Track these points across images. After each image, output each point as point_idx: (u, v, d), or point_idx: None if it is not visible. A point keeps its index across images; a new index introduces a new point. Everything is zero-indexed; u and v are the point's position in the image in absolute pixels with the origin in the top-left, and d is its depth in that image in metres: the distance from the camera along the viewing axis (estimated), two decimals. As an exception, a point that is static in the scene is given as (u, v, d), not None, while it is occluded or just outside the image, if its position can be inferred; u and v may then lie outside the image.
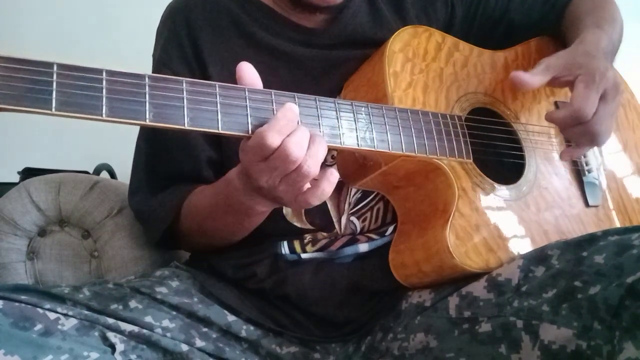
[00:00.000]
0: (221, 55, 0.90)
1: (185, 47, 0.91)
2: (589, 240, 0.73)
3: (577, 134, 0.84)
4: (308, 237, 0.91)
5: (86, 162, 1.45)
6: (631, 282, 0.61)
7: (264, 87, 0.68)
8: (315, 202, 0.68)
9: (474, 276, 0.79)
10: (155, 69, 0.93)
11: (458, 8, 1.01)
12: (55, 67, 0.56)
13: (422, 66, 0.88)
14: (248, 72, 0.66)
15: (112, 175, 1.53)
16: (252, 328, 0.86)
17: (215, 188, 0.85)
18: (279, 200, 0.71)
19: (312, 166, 0.65)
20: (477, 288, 0.78)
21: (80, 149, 1.70)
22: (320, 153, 0.66)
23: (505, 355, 0.71)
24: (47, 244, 1.08)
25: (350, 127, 0.73)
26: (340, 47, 0.93)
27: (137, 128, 0.95)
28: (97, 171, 1.49)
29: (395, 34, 0.87)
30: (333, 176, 0.68)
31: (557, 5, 1.05)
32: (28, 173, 1.28)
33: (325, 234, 0.91)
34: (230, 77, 0.67)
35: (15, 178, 1.32)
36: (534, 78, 0.82)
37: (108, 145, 1.66)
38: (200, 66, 0.90)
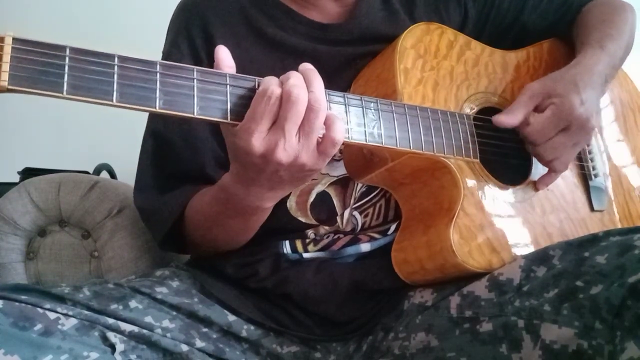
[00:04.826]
0: (234, 53, 0.89)
1: (196, 43, 0.90)
2: (591, 241, 0.72)
3: (532, 154, 0.88)
4: (310, 234, 0.91)
5: (86, 162, 1.45)
6: (633, 282, 0.61)
7: None
8: (330, 151, 0.67)
9: (476, 275, 0.79)
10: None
11: (471, 11, 1.00)
12: (68, 51, 0.56)
13: (433, 63, 0.87)
14: (225, 55, 0.68)
15: (112, 175, 1.52)
16: (252, 328, 0.86)
17: (213, 195, 0.83)
18: (283, 182, 0.70)
19: (320, 101, 0.64)
20: (479, 287, 0.78)
21: (80, 149, 1.70)
22: (321, 84, 0.66)
23: (506, 355, 0.71)
24: (47, 244, 1.08)
25: (359, 121, 0.73)
26: (355, 43, 0.92)
27: (138, 127, 0.94)
28: (97, 171, 1.49)
29: (407, 30, 0.87)
30: (337, 120, 0.67)
31: (571, 10, 1.04)
32: (28, 173, 1.28)
33: (327, 227, 0.91)
34: (243, 74, 0.67)
35: (15, 178, 1.31)
36: (513, 117, 0.85)
37: (108, 145, 1.66)
38: (212, 62, 0.89)
